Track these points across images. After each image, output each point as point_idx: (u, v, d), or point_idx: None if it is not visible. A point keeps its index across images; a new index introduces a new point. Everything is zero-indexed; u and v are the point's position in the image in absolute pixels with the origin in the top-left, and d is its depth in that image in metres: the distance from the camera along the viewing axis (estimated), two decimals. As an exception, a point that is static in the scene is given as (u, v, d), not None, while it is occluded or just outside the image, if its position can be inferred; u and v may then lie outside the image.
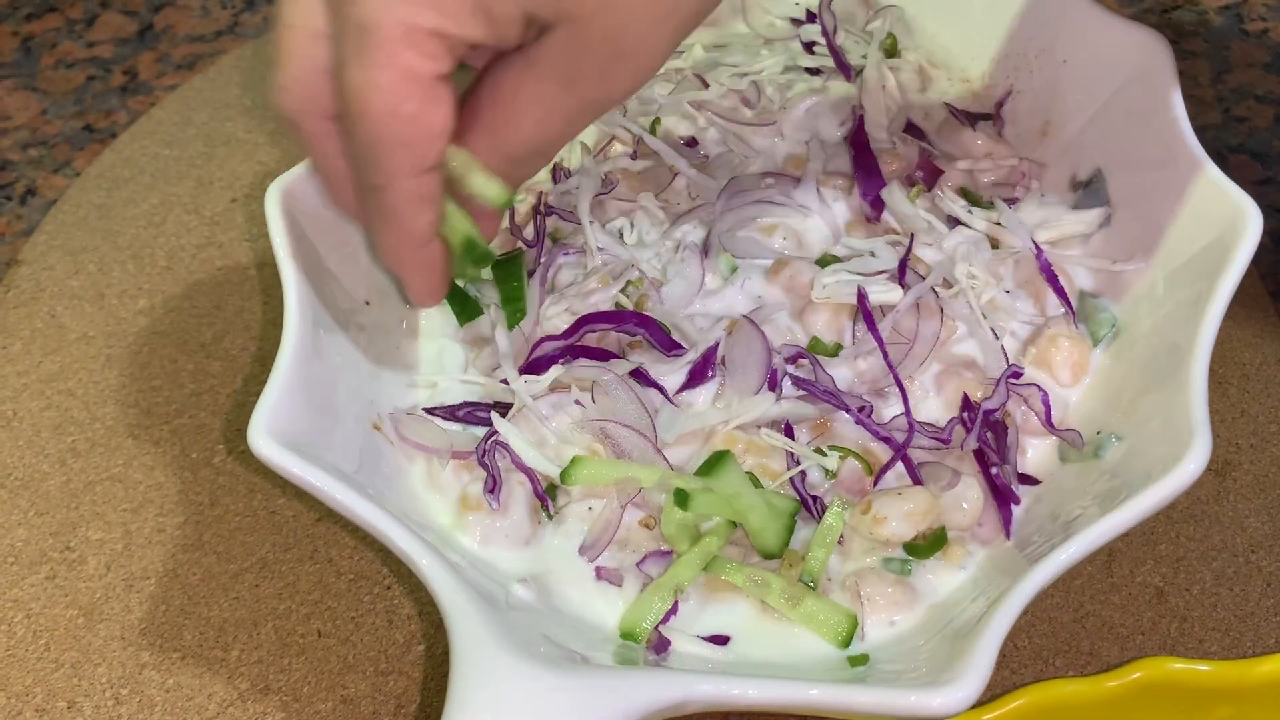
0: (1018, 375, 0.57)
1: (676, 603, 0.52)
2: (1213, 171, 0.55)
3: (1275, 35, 0.91)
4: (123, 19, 0.96)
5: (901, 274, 0.59)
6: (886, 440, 0.55)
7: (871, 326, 0.57)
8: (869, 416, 0.56)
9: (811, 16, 0.75)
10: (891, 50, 0.73)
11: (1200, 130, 0.85)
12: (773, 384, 0.57)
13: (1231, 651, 0.57)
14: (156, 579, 0.61)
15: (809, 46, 0.73)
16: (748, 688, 0.40)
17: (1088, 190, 0.64)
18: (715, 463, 0.51)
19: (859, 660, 0.49)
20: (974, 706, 0.50)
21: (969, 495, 0.53)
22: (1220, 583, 0.59)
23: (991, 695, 0.53)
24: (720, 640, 0.52)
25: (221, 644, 0.58)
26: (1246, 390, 0.67)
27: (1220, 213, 0.54)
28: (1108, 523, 0.44)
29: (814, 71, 0.72)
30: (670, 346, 0.58)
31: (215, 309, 0.73)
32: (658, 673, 0.41)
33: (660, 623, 0.51)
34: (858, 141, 0.65)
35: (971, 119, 0.68)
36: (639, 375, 0.57)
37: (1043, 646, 0.57)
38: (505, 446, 0.55)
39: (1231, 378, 0.68)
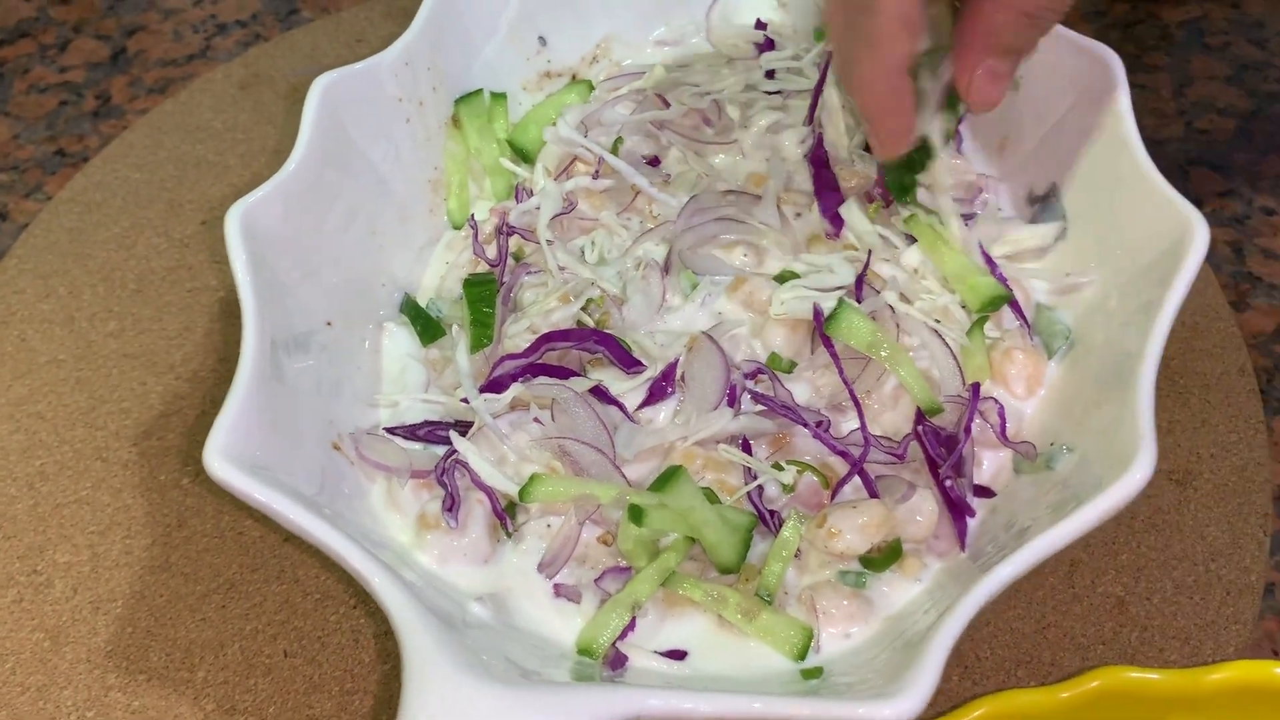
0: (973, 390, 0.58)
1: (634, 618, 0.52)
2: (1162, 185, 0.56)
3: (1237, 49, 0.92)
4: (95, 43, 0.96)
5: (858, 289, 0.60)
6: (843, 454, 0.56)
7: (826, 343, 0.57)
8: (826, 431, 0.56)
9: (771, 43, 0.76)
10: (851, 68, 0.73)
11: (1162, 143, 0.87)
12: (731, 400, 0.57)
13: (1192, 660, 0.57)
14: (123, 601, 0.61)
15: (770, 74, 0.74)
16: (696, 701, 0.40)
17: (1044, 205, 0.65)
18: (668, 478, 0.51)
19: (812, 673, 0.50)
20: (933, 718, 0.51)
21: (924, 508, 0.53)
22: (1181, 592, 0.60)
23: (952, 706, 0.54)
24: (678, 655, 0.52)
25: (188, 665, 0.59)
26: (1207, 400, 0.68)
27: (1169, 225, 0.55)
28: (1055, 533, 0.45)
29: (774, 92, 0.72)
30: (630, 363, 0.58)
31: (185, 331, 0.74)
32: (605, 688, 0.42)
33: (618, 639, 0.51)
34: (817, 158, 0.66)
35: (929, 135, 0.69)
36: (598, 392, 0.57)
37: (1004, 658, 0.58)
38: (464, 465, 0.55)
39: (1192, 387, 0.69)
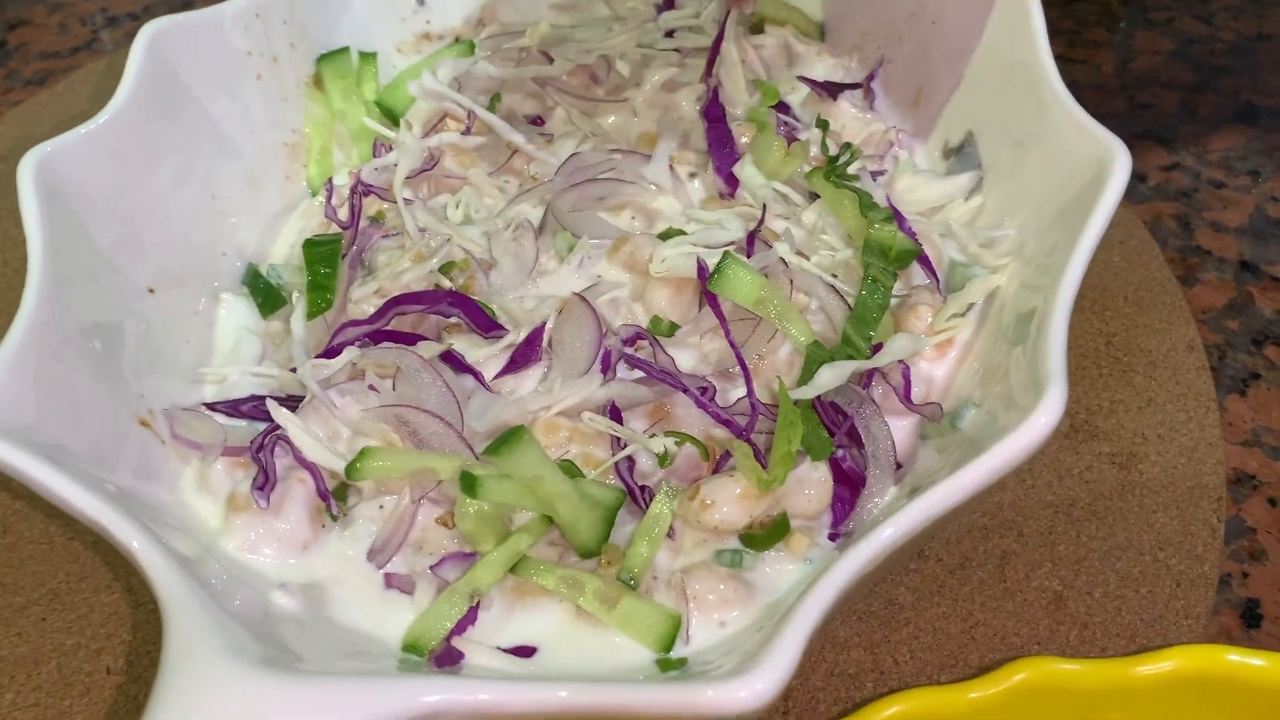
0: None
1: (475, 610, 0.44)
2: (1080, 114, 0.50)
3: (1181, 24, 0.87)
4: (-27, 39, 0.91)
5: (750, 246, 0.53)
6: (728, 423, 0.49)
7: (711, 300, 0.50)
8: (711, 399, 0.49)
9: (671, 3, 0.71)
10: (757, 27, 0.68)
11: (1104, 118, 0.80)
12: (606, 366, 0.50)
13: (1138, 659, 0.50)
14: (-73, 618, 0.54)
15: (670, 34, 0.68)
16: (493, 693, 0.33)
17: (960, 155, 0.59)
18: (506, 440, 0.44)
19: (673, 665, 0.42)
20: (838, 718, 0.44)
21: (812, 478, 0.46)
22: (1125, 584, 0.53)
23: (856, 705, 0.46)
24: (525, 652, 0.44)
25: (-6, 687, 0.51)
26: (1153, 378, 0.62)
27: (1089, 155, 0.48)
28: (949, 485, 0.38)
29: (670, 50, 0.67)
30: (489, 327, 0.51)
31: (34, 325, 0.67)
32: (387, 680, 0.34)
33: (455, 633, 0.44)
34: (711, 114, 0.60)
35: (834, 90, 0.63)
36: (451, 359, 0.50)
37: (926, 660, 0.50)
38: (287, 441, 0.48)
39: (1137, 365, 0.62)
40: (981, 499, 0.40)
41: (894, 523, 0.37)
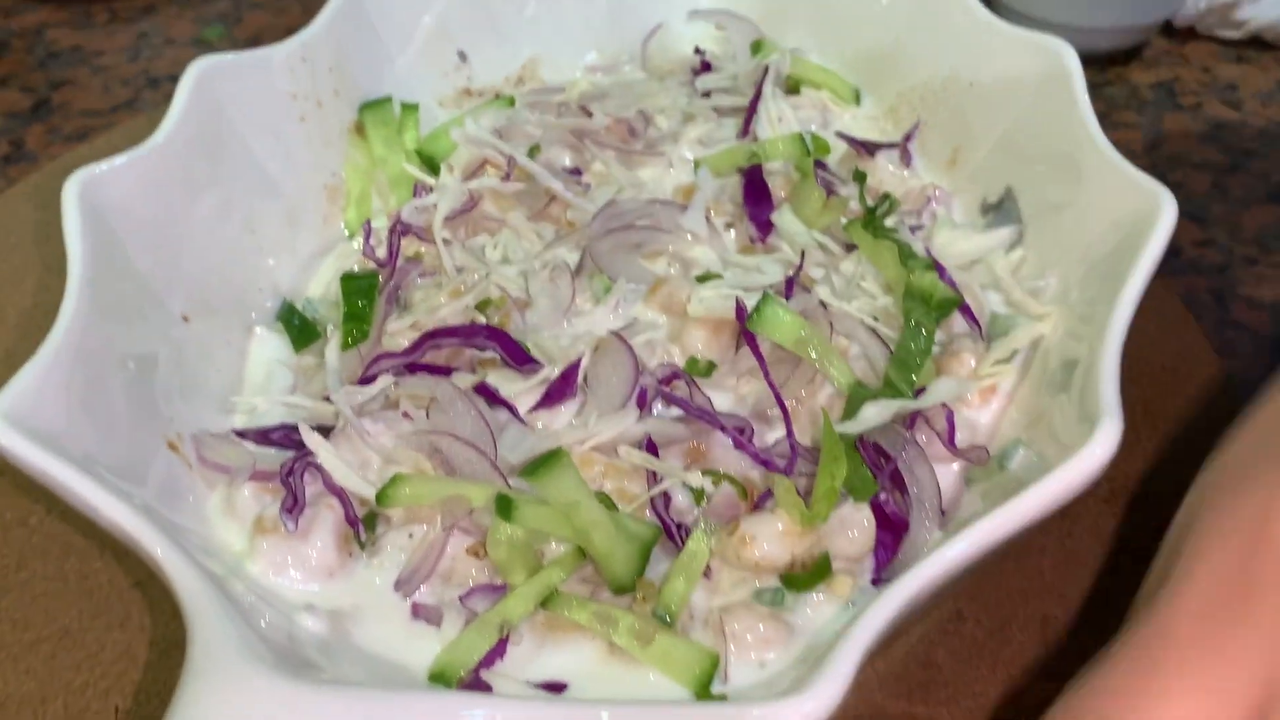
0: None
1: (505, 643, 0.43)
2: (1124, 165, 0.50)
3: (1210, 110, 0.88)
4: (19, 95, 0.93)
5: (788, 290, 0.53)
6: (767, 464, 0.47)
7: (750, 340, 0.50)
8: (749, 439, 0.48)
9: (707, 66, 0.72)
10: (793, 89, 0.69)
11: (1135, 195, 0.82)
12: (641, 403, 0.50)
13: None
14: (-64, 652, 0.52)
15: (706, 94, 0.69)
16: (530, 712, 0.31)
17: (999, 211, 0.59)
18: (544, 461, 0.43)
19: (711, 700, 0.40)
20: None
21: (856, 519, 0.45)
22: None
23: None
24: (556, 688, 0.42)
25: (-2, 725, 0.50)
26: (1190, 444, 0.60)
27: (1134, 205, 0.48)
28: (999, 516, 0.36)
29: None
30: (524, 361, 0.51)
31: (60, 366, 0.66)
32: (422, 694, 0.32)
33: (483, 666, 0.42)
34: (750, 169, 0.60)
35: (871, 149, 0.63)
36: (486, 392, 0.49)
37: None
38: (317, 467, 0.47)
39: (1175, 431, 0.61)
40: (1031, 536, 0.39)
41: (958, 542, 0.35)
